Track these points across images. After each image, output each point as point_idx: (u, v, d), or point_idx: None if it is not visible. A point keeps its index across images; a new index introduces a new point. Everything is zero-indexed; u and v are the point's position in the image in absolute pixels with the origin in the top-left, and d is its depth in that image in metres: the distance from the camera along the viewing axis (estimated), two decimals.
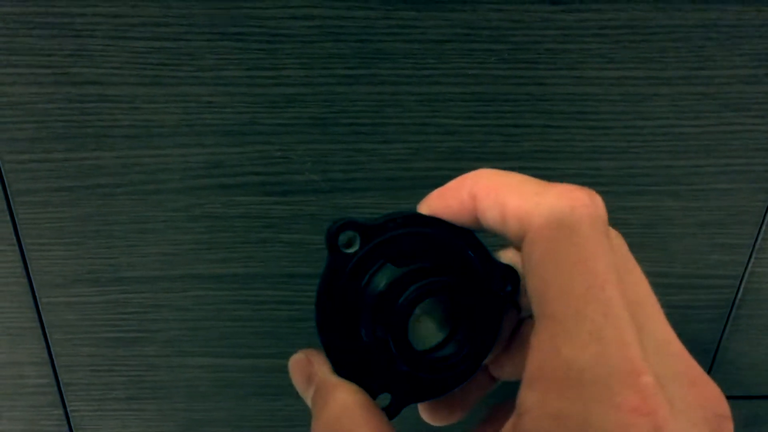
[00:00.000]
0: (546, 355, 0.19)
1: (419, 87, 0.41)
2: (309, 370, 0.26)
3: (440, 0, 0.38)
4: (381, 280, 0.24)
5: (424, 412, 0.28)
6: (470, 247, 0.25)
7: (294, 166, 0.44)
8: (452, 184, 0.25)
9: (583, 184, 0.46)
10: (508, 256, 0.26)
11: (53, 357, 0.51)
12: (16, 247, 0.46)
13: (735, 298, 0.50)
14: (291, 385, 0.52)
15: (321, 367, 0.26)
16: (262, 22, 0.39)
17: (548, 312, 0.20)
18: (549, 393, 0.19)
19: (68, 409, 0.54)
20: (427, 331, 0.25)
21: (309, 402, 0.25)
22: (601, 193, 0.46)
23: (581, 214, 0.21)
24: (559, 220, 0.21)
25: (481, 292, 0.25)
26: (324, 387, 0.25)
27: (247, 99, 0.41)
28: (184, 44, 0.39)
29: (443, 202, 0.25)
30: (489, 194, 0.23)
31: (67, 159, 0.43)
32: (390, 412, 0.25)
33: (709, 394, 0.21)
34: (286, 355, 0.51)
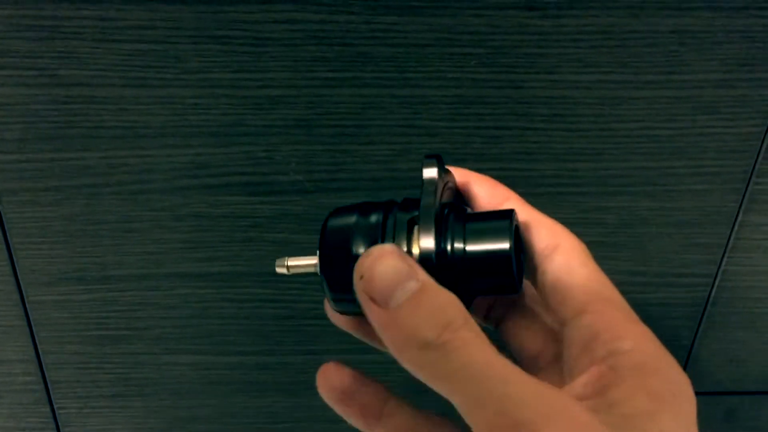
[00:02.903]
0: None
1: (401, 90, 0.42)
2: (407, 262, 0.23)
3: (421, 5, 0.39)
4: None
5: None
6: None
7: (279, 167, 0.44)
8: (487, 180, 0.29)
9: (560, 184, 0.47)
10: None
11: (40, 355, 0.51)
12: (4, 246, 0.46)
13: (709, 295, 0.51)
14: (277, 382, 0.53)
15: (418, 267, 0.23)
16: (247, 25, 0.39)
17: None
18: None
19: (55, 407, 0.54)
20: None
21: (406, 292, 0.22)
22: (578, 193, 0.48)
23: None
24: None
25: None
26: (429, 280, 0.23)
27: (233, 101, 0.42)
28: (170, 47, 0.40)
29: (470, 191, 0.28)
30: (521, 204, 0.28)
31: (54, 159, 0.43)
32: None
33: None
34: (272, 353, 0.52)
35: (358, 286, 0.23)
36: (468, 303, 0.26)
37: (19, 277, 0.48)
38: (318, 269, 0.27)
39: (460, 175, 0.29)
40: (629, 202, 0.46)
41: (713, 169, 0.46)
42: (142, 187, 0.44)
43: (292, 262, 0.28)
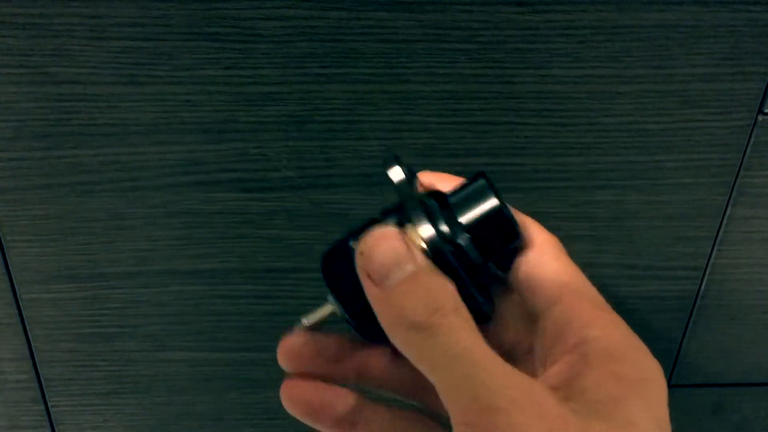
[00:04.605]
0: None
1: (392, 85, 0.42)
2: (407, 245, 0.23)
3: (411, 1, 0.39)
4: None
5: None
6: None
7: (271, 163, 0.45)
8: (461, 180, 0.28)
9: (550, 179, 0.47)
10: None
11: (33, 353, 0.51)
12: None
13: (699, 289, 0.52)
14: (270, 379, 0.53)
15: (418, 251, 0.24)
16: (238, 22, 0.40)
17: None
18: None
19: (49, 405, 0.54)
20: None
21: (402, 273, 0.23)
22: (568, 187, 0.48)
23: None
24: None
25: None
26: (426, 265, 0.23)
27: (224, 97, 0.42)
28: (161, 44, 0.40)
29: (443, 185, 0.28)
30: None
31: (46, 157, 0.43)
32: None
33: None
34: (265, 349, 0.52)
35: (357, 261, 0.23)
36: (480, 272, 0.26)
37: (12, 275, 0.48)
38: (338, 310, 0.27)
39: (424, 178, 0.30)
40: (618, 195, 0.47)
41: (702, 162, 0.46)
42: (134, 184, 0.45)
43: (308, 318, 0.28)
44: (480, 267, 0.26)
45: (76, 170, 0.44)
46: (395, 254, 0.23)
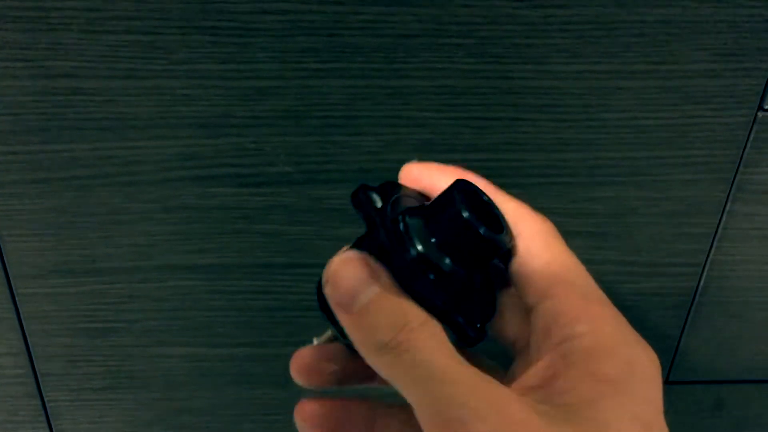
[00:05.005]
0: None
1: (390, 80, 0.42)
2: (369, 267, 0.23)
3: None
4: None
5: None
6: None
7: (268, 158, 0.44)
8: (451, 169, 0.28)
9: (550, 175, 0.47)
10: None
11: (30, 348, 0.51)
12: None
13: (698, 285, 0.52)
14: (268, 374, 0.53)
15: (383, 271, 0.24)
16: (234, 16, 0.39)
17: None
18: None
19: (45, 400, 0.54)
20: None
21: (366, 297, 0.23)
22: (567, 183, 0.48)
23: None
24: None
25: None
26: (390, 285, 0.23)
27: (221, 92, 0.42)
28: (157, 38, 0.40)
29: (433, 184, 0.28)
30: (486, 188, 0.26)
31: (43, 151, 0.43)
32: None
33: None
34: (263, 345, 0.52)
35: (325, 290, 0.24)
36: (464, 281, 0.25)
37: (8, 270, 0.48)
38: (332, 331, 0.27)
39: (421, 176, 0.29)
40: (618, 192, 0.47)
41: (701, 158, 0.46)
42: (130, 178, 0.44)
43: (318, 339, 0.29)
44: (462, 277, 0.25)
45: (73, 165, 0.44)
46: (358, 278, 0.23)
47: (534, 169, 0.45)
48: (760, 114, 0.44)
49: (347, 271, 0.23)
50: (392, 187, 0.27)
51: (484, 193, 0.26)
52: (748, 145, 0.45)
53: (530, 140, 0.44)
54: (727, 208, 0.48)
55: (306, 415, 0.27)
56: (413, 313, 0.23)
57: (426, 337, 0.22)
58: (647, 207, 0.48)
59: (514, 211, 0.27)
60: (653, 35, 0.41)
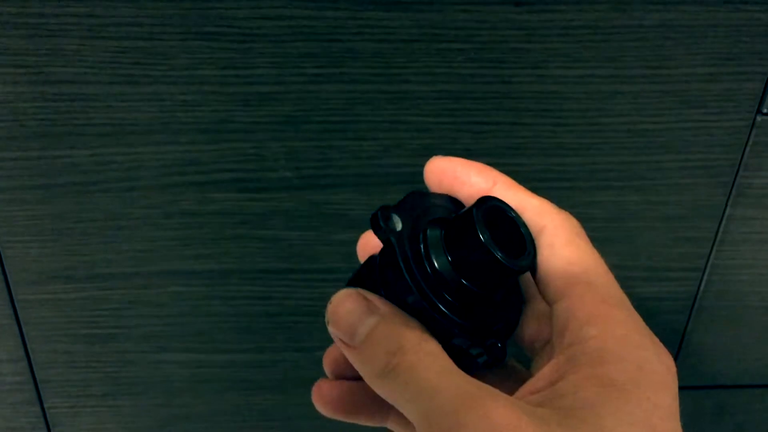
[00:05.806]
0: None
1: (389, 85, 0.42)
2: (366, 300, 0.24)
3: (408, 1, 0.39)
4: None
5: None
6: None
7: (267, 164, 0.44)
8: (475, 165, 0.28)
9: (549, 179, 0.47)
10: None
11: (29, 354, 0.51)
12: None
13: (698, 289, 0.52)
14: (268, 380, 0.53)
15: (380, 301, 0.25)
16: (234, 22, 0.39)
17: None
18: None
19: (45, 406, 0.54)
20: None
21: (365, 329, 0.24)
22: (566, 188, 0.48)
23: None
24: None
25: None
26: (388, 311, 0.24)
27: (221, 97, 0.42)
28: (157, 44, 0.40)
29: (457, 177, 0.28)
30: (510, 186, 0.27)
31: (43, 157, 0.43)
32: None
33: None
34: (262, 350, 0.52)
35: (329, 329, 0.25)
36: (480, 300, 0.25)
37: (8, 276, 0.48)
38: None
39: (446, 169, 0.28)
40: (617, 196, 0.47)
41: (701, 162, 0.46)
42: (130, 184, 0.44)
43: None
44: (480, 295, 0.25)
45: (73, 170, 0.44)
46: (356, 313, 0.24)
47: (533, 174, 0.45)
48: (759, 118, 0.44)
49: (344, 307, 0.24)
50: (415, 200, 0.26)
51: (511, 209, 0.26)
52: (748, 148, 0.46)
53: (529, 145, 0.44)
54: (727, 212, 0.48)
55: (324, 395, 0.28)
56: (407, 335, 0.23)
57: (420, 357, 0.22)
58: (646, 211, 0.48)
59: (537, 208, 0.26)
60: (652, 40, 0.41)
